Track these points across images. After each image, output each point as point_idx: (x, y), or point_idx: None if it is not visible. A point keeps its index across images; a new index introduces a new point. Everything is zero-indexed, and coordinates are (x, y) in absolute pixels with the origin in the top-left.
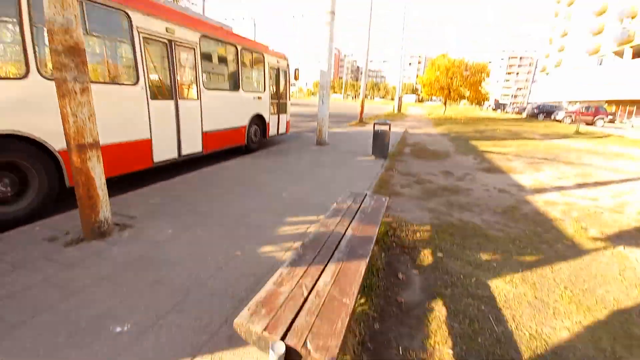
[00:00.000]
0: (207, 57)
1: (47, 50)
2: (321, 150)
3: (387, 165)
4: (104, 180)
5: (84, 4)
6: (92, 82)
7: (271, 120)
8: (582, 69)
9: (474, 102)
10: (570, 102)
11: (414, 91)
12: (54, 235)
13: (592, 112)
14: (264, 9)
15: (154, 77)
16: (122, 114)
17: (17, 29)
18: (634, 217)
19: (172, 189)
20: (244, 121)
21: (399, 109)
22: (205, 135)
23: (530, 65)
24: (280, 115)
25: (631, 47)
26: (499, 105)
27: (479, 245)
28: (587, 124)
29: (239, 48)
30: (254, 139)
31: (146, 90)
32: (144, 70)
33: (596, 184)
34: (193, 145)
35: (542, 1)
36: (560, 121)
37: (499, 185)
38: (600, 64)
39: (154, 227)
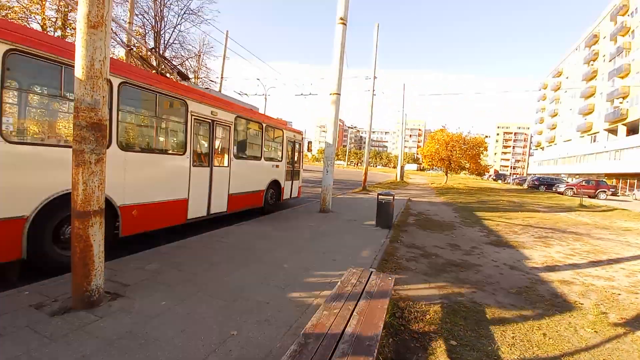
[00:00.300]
0: (238, 131)
1: (124, 128)
2: (325, 218)
3: (392, 237)
4: (102, 248)
5: (157, 95)
6: (154, 152)
7: (286, 185)
8: (577, 144)
9: (474, 173)
10: (569, 175)
11: (415, 160)
12: (41, 301)
13: (594, 185)
14: (276, 86)
15: (197, 148)
16: (171, 178)
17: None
18: None
19: (171, 255)
20: (263, 186)
21: (402, 178)
22: (231, 197)
23: (525, 140)
24: (294, 181)
25: (624, 124)
26: (499, 176)
27: (495, 331)
28: (590, 197)
29: (264, 125)
30: (270, 201)
31: (190, 159)
32: (191, 143)
33: (609, 261)
34: (220, 206)
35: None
36: (562, 193)
37: (510, 262)
38: (594, 141)
39: (146, 297)
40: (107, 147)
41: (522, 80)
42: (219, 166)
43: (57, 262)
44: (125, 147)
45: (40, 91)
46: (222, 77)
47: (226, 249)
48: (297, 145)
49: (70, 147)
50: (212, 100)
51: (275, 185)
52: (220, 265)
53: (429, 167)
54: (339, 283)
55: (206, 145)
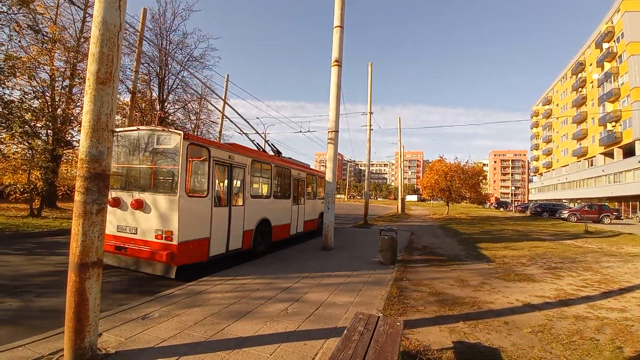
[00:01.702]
0: (307, 183)
1: (275, 186)
2: (327, 256)
3: (397, 274)
4: (98, 301)
5: (282, 169)
6: (282, 197)
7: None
8: (576, 169)
9: (475, 202)
10: (570, 200)
11: (415, 191)
12: (37, 357)
13: (596, 210)
14: (275, 124)
15: (293, 194)
16: (285, 211)
17: (269, 181)
18: None
19: (169, 301)
20: (316, 215)
21: (403, 210)
22: (305, 222)
23: (522, 167)
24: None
25: (620, 147)
26: (501, 204)
27: None
28: (594, 221)
29: (316, 176)
30: (319, 226)
31: (292, 200)
32: (293, 191)
33: (621, 290)
34: (300, 227)
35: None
36: (565, 219)
37: (521, 297)
38: (591, 165)
39: (142, 354)
40: (268, 198)
41: (514, 107)
42: (300, 204)
43: (256, 252)
44: (274, 196)
45: (256, 175)
46: (222, 118)
47: (222, 300)
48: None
49: (264, 197)
50: (298, 166)
51: (321, 215)
52: (221, 314)
53: (429, 197)
54: (345, 332)
55: (298, 191)
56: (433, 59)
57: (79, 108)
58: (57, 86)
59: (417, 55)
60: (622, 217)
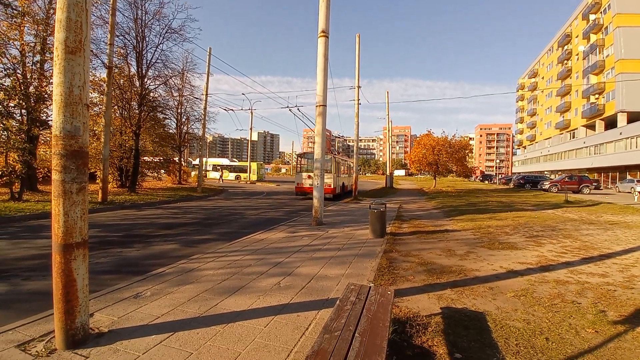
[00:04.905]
0: (350, 166)
1: (337, 168)
2: (318, 230)
3: (387, 246)
4: (86, 282)
5: (343, 160)
6: (343, 172)
7: (348, 184)
8: (558, 142)
9: (461, 175)
10: (552, 172)
11: (403, 166)
12: (27, 340)
13: (576, 180)
14: (261, 100)
15: (346, 171)
16: (348, 179)
17: (346, 166)
18: None
19: (161, 280)
20: (345, 183)
21: (391, 185)
22: (344, 186)
23: (507, 140)
24: (349, 182)
25: (602, 119)
26: (485, 177)
27: (499, 341)
28: (574, 192)
29: (348, 161)
30: (349, 187)
31: (349, 175)
32: (346, 170)
33: (601, 257)
34: (348, 187)
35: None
36: (547, 190)
37: (505, 264)
38: (573, 138)
39: (136, 331)
40: (347, 174)
41: (500, 81)
42: (348, 175)
43: (340, 195)
44: (339, 174)
45: (344, 164)
46: (206, 94)
47: (213, 276)
48: (351, 165)
49: (347, 173)
50: (343, 156)
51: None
52: (214, 290)
53: (416, 172)
54: (337, 302)
55: (345, 170)
56: (421, 30)
57: (52, 85)
58: (28, 62)
59: (405, 28)
60: (601, 187)
